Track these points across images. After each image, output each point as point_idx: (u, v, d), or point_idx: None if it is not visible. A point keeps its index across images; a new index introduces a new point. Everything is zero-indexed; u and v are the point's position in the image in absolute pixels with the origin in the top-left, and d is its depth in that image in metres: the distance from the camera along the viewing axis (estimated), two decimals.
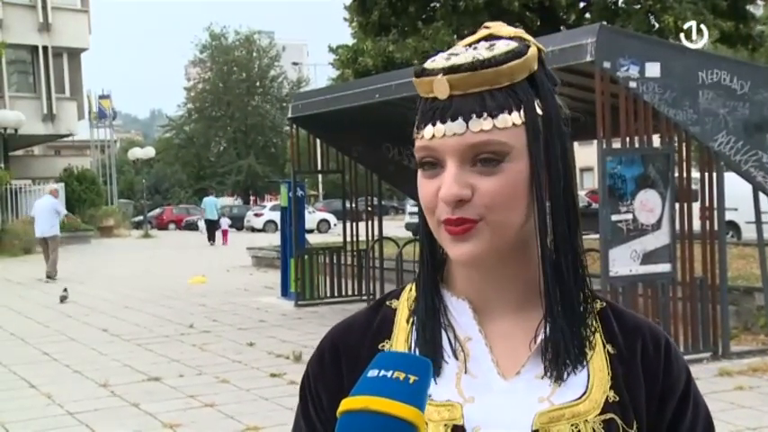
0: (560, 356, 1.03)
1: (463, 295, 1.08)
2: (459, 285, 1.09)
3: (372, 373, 0.88)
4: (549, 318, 1.04)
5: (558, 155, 1.03)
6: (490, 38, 1.03)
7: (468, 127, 0.98)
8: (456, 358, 1.05)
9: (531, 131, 1.00)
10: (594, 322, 1.08)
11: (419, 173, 1.04)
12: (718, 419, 5.72)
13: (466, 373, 1.04)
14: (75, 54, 33.55)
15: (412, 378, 0.86)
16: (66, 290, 14.16)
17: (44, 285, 16.41)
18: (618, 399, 1.05)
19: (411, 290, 1.13)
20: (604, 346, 1.08)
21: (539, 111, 1.01)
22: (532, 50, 1.01)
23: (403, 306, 1.13)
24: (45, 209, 17.70)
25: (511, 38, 1.03)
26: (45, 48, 31.33)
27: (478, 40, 1.03)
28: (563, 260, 1.04)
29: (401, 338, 1.10)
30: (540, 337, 1.04)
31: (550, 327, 1.03)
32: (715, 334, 7.83)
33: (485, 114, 0.98)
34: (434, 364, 1.03)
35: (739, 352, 7.97)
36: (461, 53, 1.01)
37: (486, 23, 1.06)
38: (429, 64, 1.02)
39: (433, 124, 1.00)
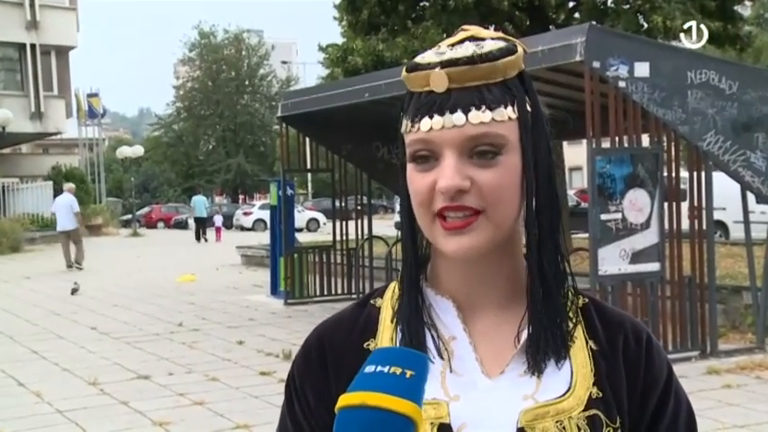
0: (540, 351, 1.04)
1: (447, 294, 1.09)
2: (443, 284, 1.09)
3: (369, 368, 0.88)
4: (532, 313, 1.05)
5: (544, 150, 1.05)
6: (472, 39, 1.04)
7: (467, 119, 0.99)
8: (441, 358, 1.06)
9: (524, 126, 1.02)
10: (575, 317, 1.09)
11: (410, 167, 1.03)
12: (707, 417, 5.77)
13: (451, 372, 1.05)
14: (63, 52, 33.40)
15: (408, 373, 0.87)
16: (76, 283, 14.85)
17: (29, 282, 16.38)
18: (601, 395, 1.06)
19: (395, 288, 1.13)
20: (587, 343, 1.09)
21: (528, 107, 1.03)
22: (520, 49, 1.03)
23: (387, 305, 1.13)
24: (64, 205, 19.18)
25: (492, 39, 1.04)
26: (33, 45, 31.16)
27: (461, 41, 1.04)
28: (545, 255, 1.05)
29: (386, 337, 1.10)
30: (524, 334, 1.05)
31: (532, 322, 1.05)
32: (703, 332, 7.87)
33: (483, 107, 0.99)
34: None
35: (727, 350, 8.01)
36: (447, 52, 1.02)
37: (464, 26, 1.07)
38: (421, 59, 1.03)
39: (431, 117, 1.00)
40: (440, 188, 0.99)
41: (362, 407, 0.84)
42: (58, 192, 30.37)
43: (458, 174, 0.99)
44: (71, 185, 20.74)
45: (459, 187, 0.99)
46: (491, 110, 0.99)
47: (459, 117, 0.99)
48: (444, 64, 1.00)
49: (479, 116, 0.99)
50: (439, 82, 1.00)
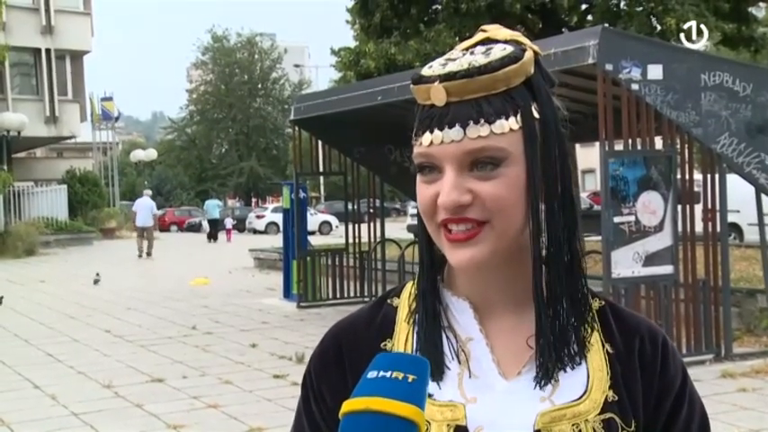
0: (545, 357, 1.04)
1: (464, 295, 1.09)
2: (459, 285, 1.10)
3: (372, 374, 0.90)
4: (537, 322, 1.04)
5: (556, 158, 1.03)
6: (487, 41, 1.04)
7: (465, 134, 0.99)
8: (458, 360, 1.06)
9: (528, 137, 1.01)
10: (592, 322, 1.09)
11: (418, 177, 1.04)
12: (721, 421, 5.75)
13: (468, 373, 1.06)
14: (77, 56, 33.55)
15: (410, 377, 0.88)
16: (98, 274, 16.92)
17: (44, 286, 16.50)
18: (617, 398, 1.06)
19: (412, 287, 1.13)
20: (603, 346, 1.09)
21: (536, 114, 1.02)
22: (528, 54, 1.01)
23: (404, 304, 1.13)
24: (144, 207, 24.55)
25: (507, 41, 1.03)
26: (48, 50, 31.33)
27: (475, 44, 1.04)
28: (557, 261, 1.04)
29: (402, 338, 1.10)
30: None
31: (539, 328, 1.04)
32: (717, 336, 7.83)
33: (482, 120, 0.99)
34: (436, 369, 1.05)
35: (742, 354, 7.97)
36: (458, 58, 1.02)
37: (484, 27, 1.07)
38: (426, 71, 1.03)
39: (431, 131, 1.01)
40: (439, 203, 1.00)
41: (366, 412, 0.86)
42: (72, 196, 30.79)
43: (456, 189, 0.99)
44: (149, 191, 27.06)
45: (458, 203, 0.99)
46: (490, 123, 0.99)
47: (457, 132, 0.99)
48: (443, 77, 1.00)
49: (477, 130, 0.99)
50: (438, 96, 1.00)
